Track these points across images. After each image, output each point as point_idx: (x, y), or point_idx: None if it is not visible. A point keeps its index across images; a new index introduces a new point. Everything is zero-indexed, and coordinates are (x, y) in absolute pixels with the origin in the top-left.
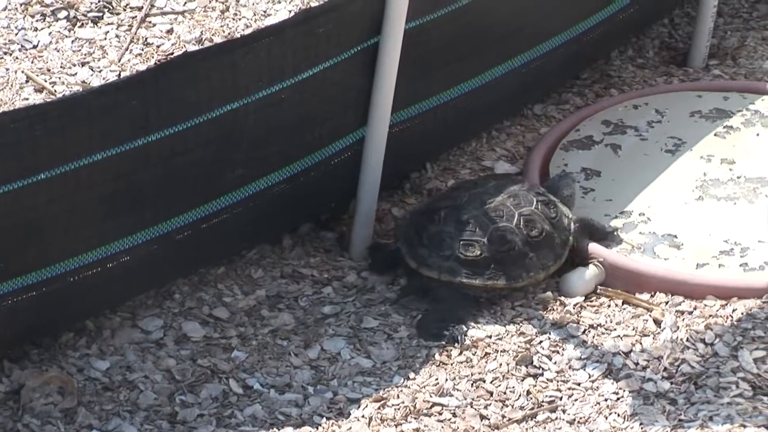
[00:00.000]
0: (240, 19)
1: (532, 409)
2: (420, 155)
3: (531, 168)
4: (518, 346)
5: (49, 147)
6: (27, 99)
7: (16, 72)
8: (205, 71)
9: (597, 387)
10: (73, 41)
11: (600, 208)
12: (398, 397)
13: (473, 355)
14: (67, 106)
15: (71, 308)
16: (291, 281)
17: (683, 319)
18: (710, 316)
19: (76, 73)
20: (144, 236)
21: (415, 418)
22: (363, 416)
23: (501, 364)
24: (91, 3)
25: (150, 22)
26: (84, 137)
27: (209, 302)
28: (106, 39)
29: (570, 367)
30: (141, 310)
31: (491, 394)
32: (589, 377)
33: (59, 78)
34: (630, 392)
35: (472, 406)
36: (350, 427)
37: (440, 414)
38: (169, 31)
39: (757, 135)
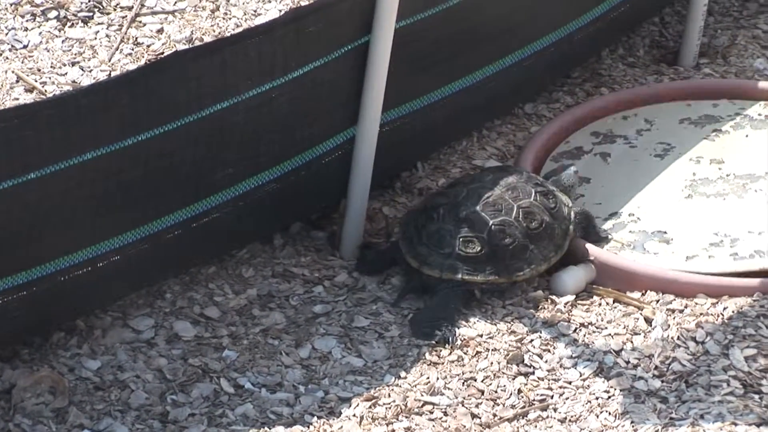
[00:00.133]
0: (230, 19)
1: (524, 407)
2: (411, 154)
3: (521, 167)
4: (509, 345)
5: (38, 146)
6: (17, 99)
7: (6, 72)
8: (195, 70)
9: (588, 385)
10: (63, 41)
11: (590, 211)
12: (389, 396)
13: (464, 353)
14: (57, 105)
15: (62, 307)
16: (282, 280)
17: (674, 318)
18: (701, 314)
19: (66, 73)
20: (134, 235)
21: (406, 417)
22: (354, 415)
23: (492, 363)
24: (81, 3)
25: (140, 21)
26: (74, 137)
27: (200, 301)
28: (96, 39)
29: (561, 366)
30: (132, 310)
31: (482, 392)
32: (580, 376)
33: (50, 78)
34: (621, 390)
35: (463, 405)
36: (341, 426)
37: (431, 413)
38: (160, 31)
39: (747, 136)
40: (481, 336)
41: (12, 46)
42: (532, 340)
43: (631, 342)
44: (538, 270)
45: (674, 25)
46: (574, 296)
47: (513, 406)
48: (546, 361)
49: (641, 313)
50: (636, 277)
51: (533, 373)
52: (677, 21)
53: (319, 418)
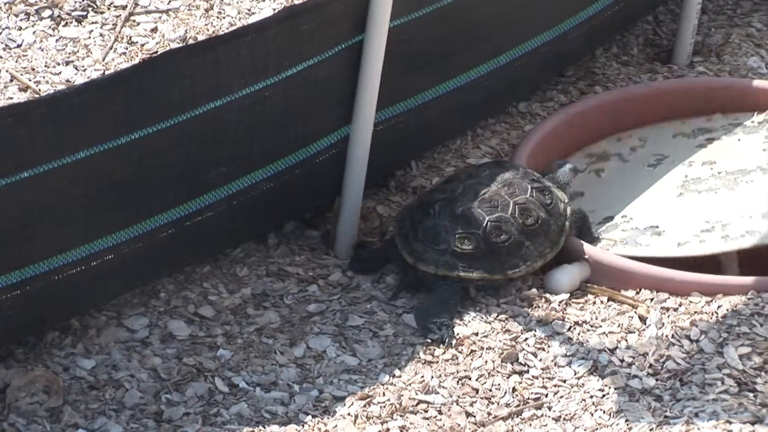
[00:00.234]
0: (224, 18)
1: (518, 406)
2: (405, 153)
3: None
4: (504, 344)
5: (32, 145)
6: (11, 98)
7: (0, 71)
8: (188, 69)
9: (582, 384)
10: (57, 40)
11: None
12: (384, 394)
13: (459, 352)
14: (50, 104)
15: (56, 307)
16: (276, 279)
17: (668, 316)
18: (695, 312)
19: (60, 72)
20: (128, 234)
21: (401, 416)
22: (349, 414)
23: (487, 362)
24: (75, 2)
25: (134, 20)
26: (67, 135)
27: (195, 301)
28: (90, 38)
29: (555, 364)
30: (126, 309)
31: (477, 391)
32: (575, 374)
33: (43, 77)
34: (615, 389)
35: (457, 404)
36: (336, 425)
37: (426, 411)
38: (154, 30)
39: (739, 140)
40: (476, 334)
41: (6, 45)
42: (526, 339)
43: (626, 340)
44: (534, 266)
45: (668, 23)
46: (569, 295)
47: (507, 405)
48: (540, 360)
49: (635, 312)
50: (630, 276)
51: (528, 371)
52: (671, 19)
53: (314, 417)
